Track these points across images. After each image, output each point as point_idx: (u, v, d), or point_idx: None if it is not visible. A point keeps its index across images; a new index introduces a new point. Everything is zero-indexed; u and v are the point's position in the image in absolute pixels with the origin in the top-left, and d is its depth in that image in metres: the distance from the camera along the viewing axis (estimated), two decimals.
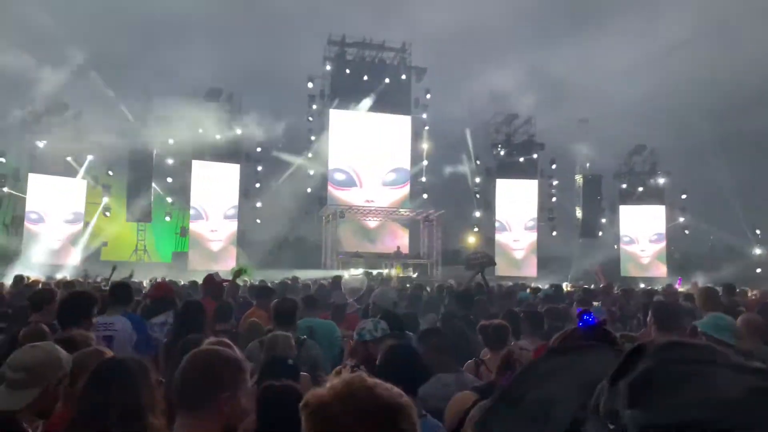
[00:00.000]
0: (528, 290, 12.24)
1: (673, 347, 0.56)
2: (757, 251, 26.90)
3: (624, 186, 26.86)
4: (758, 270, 26.43)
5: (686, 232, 26.62)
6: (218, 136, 22.81)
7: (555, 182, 26.44)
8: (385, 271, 20.38)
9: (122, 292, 5.02)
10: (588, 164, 26.08)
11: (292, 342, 3.81)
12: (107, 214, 22.33)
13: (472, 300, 6.97)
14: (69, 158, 21.34)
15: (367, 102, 24.85)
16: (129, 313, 4.91)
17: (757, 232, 27.63)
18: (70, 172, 21.73)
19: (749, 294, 10.73)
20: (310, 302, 6.10)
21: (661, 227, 26.43)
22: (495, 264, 15.37)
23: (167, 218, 23.10)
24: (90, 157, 21.74)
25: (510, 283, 18.06)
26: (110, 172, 22.45)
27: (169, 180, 22.84)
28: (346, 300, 7.62)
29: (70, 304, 4.01)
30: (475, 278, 9.70)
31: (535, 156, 26.25)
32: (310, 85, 24.68)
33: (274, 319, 4.92)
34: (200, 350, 2.01)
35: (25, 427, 2.26)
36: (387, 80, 25.32)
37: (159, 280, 11.57)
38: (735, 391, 0.50)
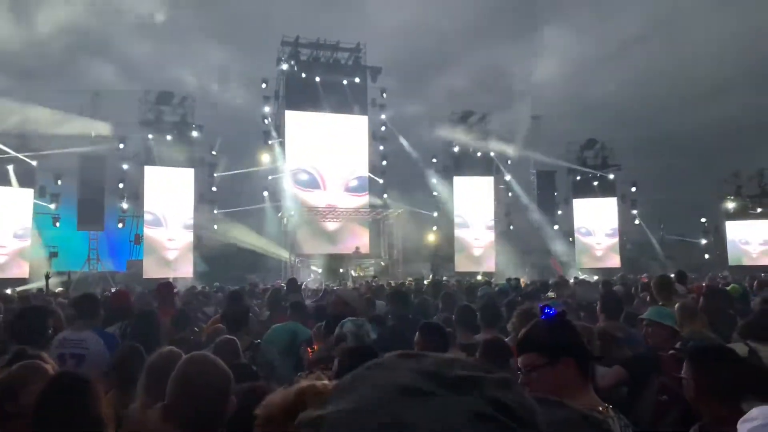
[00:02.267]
0: (487, 285, 12.47)
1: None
2: (703, 241, 27.99)
3: (577, 179, 27.54)
4: (706, 256, 27.53)
5: (636, 222, 27.46)
6: (169, 138, 22.37)
7: (510, 178, 26.91)
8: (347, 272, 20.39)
9: (88, 305, 4.70)
10: (541, 159, 26.65)
11: (237, 346, 3.74)
12: (57, 224, 21.63)
13: (408, 299, 7.01)
14: (9, 167, 20.53)
15: (323, 103, 24.73)
16: (100, 330, 4.62)
17: (703, 220, 28.76)
18: (17, 181, 20.96)
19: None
20: (297, 308, 5.97)
21: (614, 219, 27.21)
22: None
23: (120, 225, 22.48)
24: (34, 163, 20.99)
25: (478, 278, 18.39)
26: (59, 181, 21.73)
27: (121, 186, 22.24)
28: (302, 301, 7.59)
29: (25, 319, 3.81)
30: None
31: (492, 153, 26.66)
32: (264, 86, 24.44)
33: (224, 324, 4.85)
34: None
35: None
36: (344, 81, 25.30)
37: (113, 290, 11.30)
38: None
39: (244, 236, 23.32)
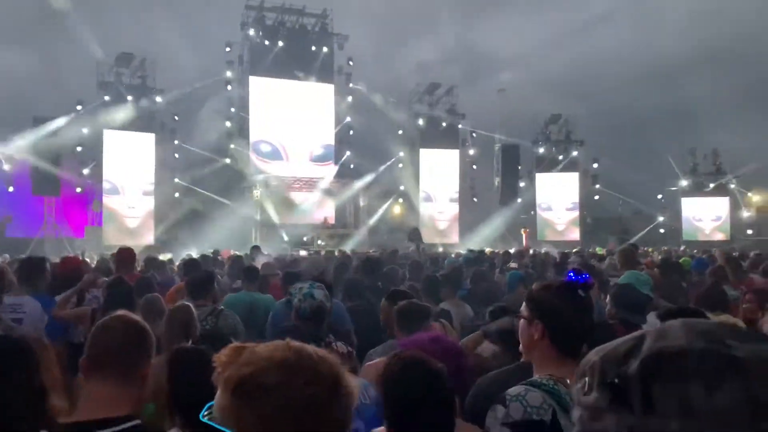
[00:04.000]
0: (453, 255, 12.68)
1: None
2: (660, 218, 28.82)
3: (540, 153, 27.88)
4: (661, 230, 28.39)
5: (596, 198, 28.05)
6: (130, 98, 21.67)
7: (475, 151, 27.08)
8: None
9: (30, 269, 4.64)
10: (507, 133, 26.85)
11: (192, 311, 3.69)
12: (11, 189, 20.89)
13: (381, 268, 7.07)
14: None
15: (288, 69, 24.25)
16: (39, 293, 4.57)
17: (660, 197, 29.60)
18: None
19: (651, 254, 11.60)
20: (251, 274, 5.92)
21: (575, 194, 27.73)
22: (423, 243, 17.39)
23: (78, 190, 21.83)
24: None
25: (440, 250, 18.67)
26: (10, 145, 20.87)
27: (79, 149, 21.51)
28: (273, 270, 7.55)
29: None
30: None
31: (460, 126, 26.75)
32: (227, 50, 23.79)
33: (187, 290, 4.78)
34: (122, 317, 1.96)
35: None
36: (312, 48, 24.85)
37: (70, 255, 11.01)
38: None
39: (207, 205, 22.92)
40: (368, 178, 25.02)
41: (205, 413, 1.10)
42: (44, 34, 20.21)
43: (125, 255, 6.06)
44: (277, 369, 1.05)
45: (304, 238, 20.73)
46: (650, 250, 16.87)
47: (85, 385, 1.85)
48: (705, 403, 0.55)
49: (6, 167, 20.60)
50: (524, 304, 2.05)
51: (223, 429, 1.03)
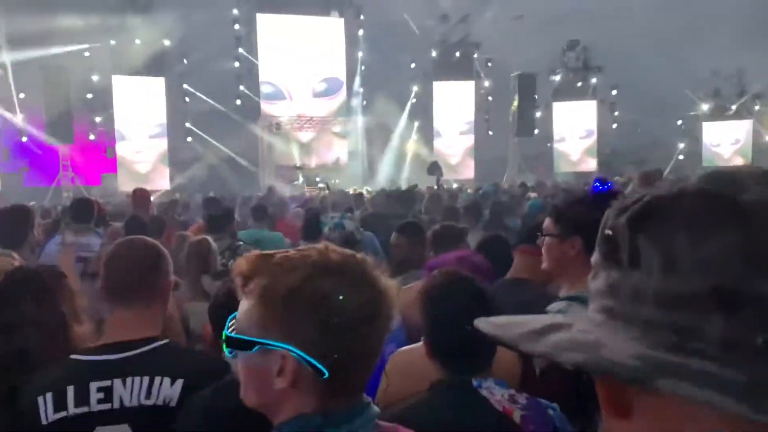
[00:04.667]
0: (469, 191, 12.60)
1: None
2: (680, 144, 28.20)
3: (557, 82, 27.17)
4: (680, 157, 27.86)
5: (614, 126, 27.47)
6: (138, 42, 21.27)
7: (490, 82, 26.39)
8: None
9: (84, 209, 4.80)
10: (523, 62, 26.06)
11: (211, 245, 3.71)
12: (24, 139, 20.93)
13: (414, 199, 7.05)
14: None
15: (295, 4, 23.51)
16: (95, 232, 4.75)
17: (679, 123, 28.86)
18: None
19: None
20: (259, 213, 5.94)
21: (592, 123, 27.15)
22: (443, 176, 17.24)
23: (91, 137, 21.84)
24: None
25: (454, 186, 18.55)
26: (22, 95, 20.78)
27: (90, 96, 21.38)
28: (285, 208, 7.55)
29: (8, 221, 3.72)
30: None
31: (475, 55, 26.00)
32: None
33: (207, 225, 4.80)
34: (133, 241, 1.96)
35: None
36: None
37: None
38: None
39: (219, 150, 22.87)
40: (381, 115, 24.62)
41: (230, 326, 1.06)
42: None
43: (140, 195, 6.15)
44: (327, 273, 1.00)
45: (317, 179, 20.70)
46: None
47: (107, 313, 1.87)
48: (690, 256, 0.47)
49: (19, 116, 20.58)
50: (550, 222, 2.00)
51: (260, 340, 1.00)
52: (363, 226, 5.48)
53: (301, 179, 20.37)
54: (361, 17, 24.81)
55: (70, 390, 1.66)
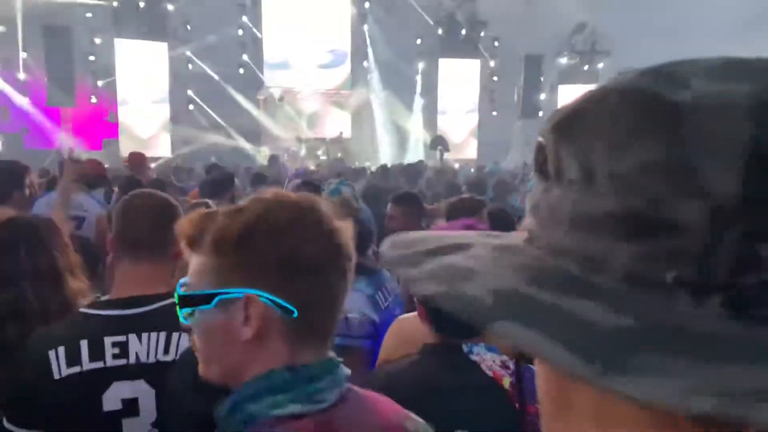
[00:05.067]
0: (472, 170, 12.56)
1: None
2: None
3: (564, 65, 26.92)
4: None
5: None
6: (141, 5, 21.02)
7: (496, 62, 26.15)
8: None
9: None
10: (530, 43, 25.78)
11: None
12: (26, 100, 20.79)
13: (417, 173, 7.03)
14: None
15: None
16: (90, 193, 4.75)
17: None
18: None
19: None
20: (258, 179, 5.92)
21: None
22: (449, 150, 16.90)
23: (93, 100, 21.69)
24: (2, 29, 19.72)
25: (456, 167, 18.46)
26: (23, 54, 20.59)
27: (92, 58, 21.18)
28: (285, 176, 7.53)
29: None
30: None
31: (482, 34, 25.69)
32: None
33: (207, 189, 4.77)
34: (151, 194, 1.93)
35: None
36: None
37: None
38: None
39: (221, 117, 22.73)
40: (385, 89, 24.41)
41: (182, 289, 1.01)
42: None
43: (135, 159, 6.14)
44: (282, 209, 0.96)
45: (318, 152, 20.59)
46: None
47: (116, 267, 1.84)
48: (607, 169, 0.38)
49: (21, 76, 20.41)
50: None
51: (218, 290, 0.94)
52: (364, 200, 5.46)
53: (303, 151, 20.28)
54: None
55: (84, 344, 1.62)
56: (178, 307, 0.99)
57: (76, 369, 1.61)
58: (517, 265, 0.42)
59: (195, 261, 0.98)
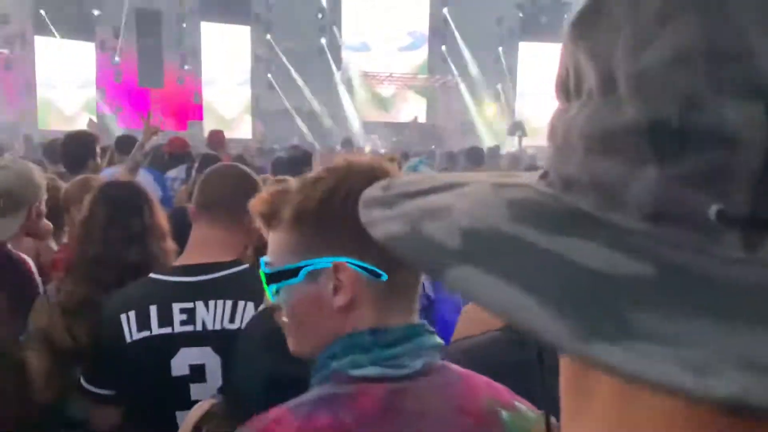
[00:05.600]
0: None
1: None
2: None
3: None
4: None
5: None
6: None
7: None
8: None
9: (130, 144, 4.86)
10: None
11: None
12: (119, 80, 21.97)
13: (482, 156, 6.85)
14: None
15: None
16: (148, 167, 4.78)
17: None
18: (78, 34, 21.03)
19: None
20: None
21: None
22: (526, 136, 16.48)
23: (180, 82, 22.64)
24: (97, 12, 20.89)
25: (533, 152, 17.96)
26: (118, 38, 21.73)
27: (180, 42, 22.08)
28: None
29: (73, 144, 3.88)
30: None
31: (565, 16, 24.74)
32: None
33: (289, 169, 4.81)
34: (234, 166, 1.99)
35: (18, 256, 2.23)
36: None
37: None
38: None
39: (301, 100, 23.13)
40: (464, 73, 24.02)
41: (266, 267, 1.01)
42: None
43: (215, 137, 6.31)
44: (359, 173, 0.95)
45: (393, 139, 20.56)
46: None
47: (193, 232, 1.86)
48: (629, 68, 0.28)
49: (117, 59, 21.58)
50: None
51: (305, 262, 0.94)
52: None
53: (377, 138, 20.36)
54: None
55: (153, 309, 1.65)
56: (265, 285, 0.99)
57: (146, 333, 1.64)
58: (510, 202, 0.32)
59: (275, 237, 0.99)
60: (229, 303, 1.66)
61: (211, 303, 1.65)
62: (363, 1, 23.61)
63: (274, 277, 0.98)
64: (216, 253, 1.73)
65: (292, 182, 1.03)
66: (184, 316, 1.65)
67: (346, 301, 0.93)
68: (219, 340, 1.65)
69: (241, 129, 22.68)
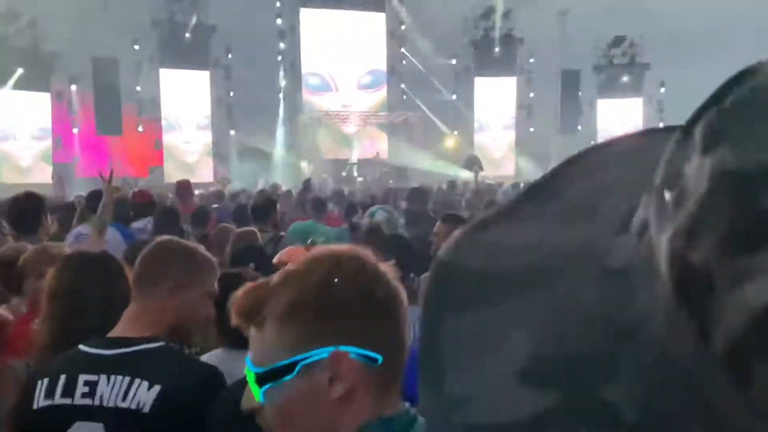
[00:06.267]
0: (509, 186, 12.40)
1: None
2: None
3: (602, 79, 26.62)
4: None
5: (661, 125, 26.74)
6: (187, 36, 21.84)
7: (533, 78, 26.05)
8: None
9: (98, 200, 4.79)
10: (567, 58, 25.60)
11: (257, 236, 3.75)
12: (75, 130, 21.73)
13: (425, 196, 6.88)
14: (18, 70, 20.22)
15: None
16: (115, 222, 4.73)
17: None
18: (32, 85, 20.79)
19: None
20: (319, 206, 5.90)
21: (638, 121, 26.54)
22: (483, 170, 16.52)
23: (140, 129, 22.48)
24: (53, 64, 20.73)
25: (491, 182, 18.26)
26: (73, 86, 21.58)
27: (138, 89, 22.01)
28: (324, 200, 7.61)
29: (21, 206, 3.80)
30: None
31: (517, 51, 25.67)
32: None
33: (251, 215, 4.86)
34: (158, 239, 1.97)
35: None
36: None
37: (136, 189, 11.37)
38: None
39: (262, 142, 23.21)
40: (421, 109, 24.55)
41: (255, 365, 0.96)
42: None
43: (182, 186, 6.28)
44: (347, 261, 0.97)
45: (355, 174, 20.76)
46: None
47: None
48: None
49: (75, 107, 21.37)
50: None
51: (301, 356, 0.91)
52: (410, 219, 5.47)
53: (344, 173, 20.56)
54: (403, 11, 24.80)
55: (62, 379, 1.64)
56: (255, 387, 0.93)
57: (49, 402, 1.63)
58: None
59: (261, 335, 0.94)
60: (126, 380, 1.63)
61: (113, 378, 1.63)
62: (323, 42, 24.07)
63: (266, 377, 0.92)
64: (138, 328, 1.73)
65: (273, 278, 0.98)
66: (86, 389, 1.63)
67: (345, 391, 0.90)
68: (111, 417, 1.61)
69: (202, 172, 22.58)
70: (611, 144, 0.41)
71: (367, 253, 1.01)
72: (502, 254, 0.34)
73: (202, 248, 1.94)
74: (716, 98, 0.29)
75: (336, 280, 0.93)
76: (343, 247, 1.05)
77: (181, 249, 1.87)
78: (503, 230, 0.35)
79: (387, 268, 1.00)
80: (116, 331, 1.74)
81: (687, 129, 0.29)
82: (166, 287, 1.73)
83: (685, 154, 0.27)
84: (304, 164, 22.84)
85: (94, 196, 4.80)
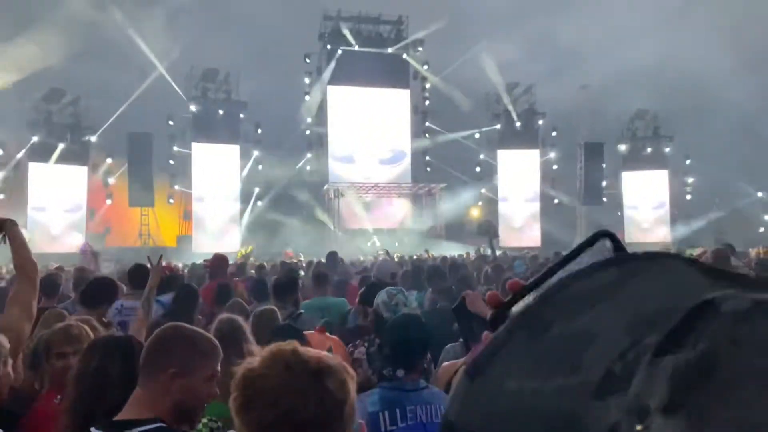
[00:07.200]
0: (519, 261, 12.07)
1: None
2: (766, 217, 26.76)
3: (626, 151, 26.71)
4: (761, 230, 26.33)
5: (688, 197, 26.55)
6: (221, 113, 22.81)
7: (556, 151, 26.32)
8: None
9: (138, 274, 4.90)
10: (589, 131, 25.88)
11: (278, 315, 3.78)
12: (108, 201, 22.46)
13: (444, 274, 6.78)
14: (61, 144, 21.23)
15: (365, 77, 24.63)
16: (156, 298, 4.87)
17: (759, 195, 27.44)
18: (70, 159, 21.73)
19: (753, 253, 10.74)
20: (321, 279, 5.96)
21: (665, 193, 26.37)
22: (498, 236, 15.83)
23: (171, 201, 23.12)
24: (92, 139, 21.77)
25: (506, 252, 17.85)
26: (109, 159, 22.50)
27: (171, 162, 22.82)
28: (349, 275, 7.62)
29: (96, 287, 4.05)
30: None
31: (540, 122, 26.09)
32: (307, 61, 24.53)
33: (273, 294, 4.89)
34: (164, 326, 2.03)
35: None
36: (389, 50, 25.13)
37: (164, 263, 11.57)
38: None
39: (289, 213, 23.61)
40: (445, 180, 24.87)
41: None
42: (135, 56, 21.52)
43: (217, 261, 6.38)
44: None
45: (377, 244, 20.84)
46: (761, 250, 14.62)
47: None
48: None
49: (111, 180, 22.24)
50: None
51: None
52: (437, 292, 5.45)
53: (378, 243, 20.71)
54: (427, 88, 25.60)
55: None
56: None
57: None
58: None
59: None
60: None
61: None
62: (348, 119, 24.87)
63: None
64: (140, 410, 1.80)
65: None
66: None
67: None
68: None
69: (228, 243, 22.90)
70: (583, 277, 0.40)
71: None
72: (495, 417, 0.36)
73: (206, 335, 1.99)
74: (679, 335, 0.29)
75: None
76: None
77: (186, 337, 1.93)
78: (496, 379, 0.37)
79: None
80: (122, 413, 1.80)
81: (657, 352, 0.29)
82: (169, 373, 1.79)
83: (650, 391, 0.28)
84: (329, 234, 23.08)
85: (135, 273, 4.95)
